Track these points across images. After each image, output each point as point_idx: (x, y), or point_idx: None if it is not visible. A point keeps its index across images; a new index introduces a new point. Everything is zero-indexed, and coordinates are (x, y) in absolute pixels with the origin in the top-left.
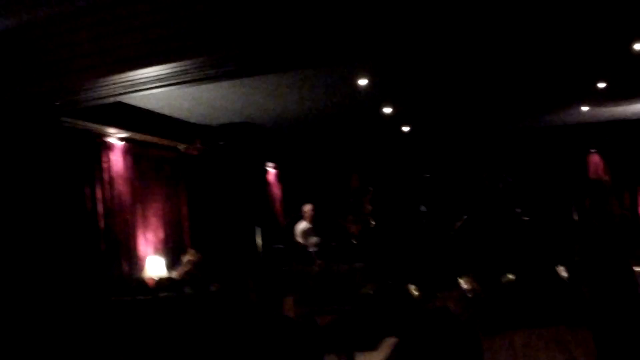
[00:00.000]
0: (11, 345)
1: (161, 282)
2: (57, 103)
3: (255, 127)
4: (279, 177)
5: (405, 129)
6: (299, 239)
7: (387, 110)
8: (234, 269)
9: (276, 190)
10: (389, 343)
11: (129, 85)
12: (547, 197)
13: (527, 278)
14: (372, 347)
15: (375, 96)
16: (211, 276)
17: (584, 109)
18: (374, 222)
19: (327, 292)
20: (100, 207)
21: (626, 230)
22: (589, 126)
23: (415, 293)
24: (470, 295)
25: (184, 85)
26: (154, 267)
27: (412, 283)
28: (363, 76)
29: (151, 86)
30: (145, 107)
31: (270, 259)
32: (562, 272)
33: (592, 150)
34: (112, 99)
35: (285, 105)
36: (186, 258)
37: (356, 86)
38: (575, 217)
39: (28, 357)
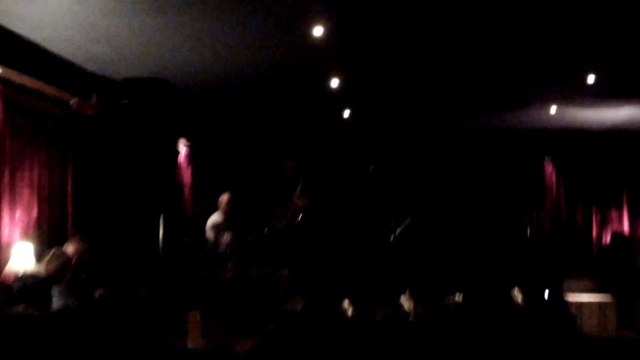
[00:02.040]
0: None
1: (23, 280)
2: None
3: (167, 87)
4: (191, 156)
5: (347, 114)
6: (209, 235)
7: (335, 83)
8: (125, 267)
9: (186, 172)
10: None
11: None
12: (501, 209)
13: (476, 300)
14: None
15: (325, 61)
16: (97, 276)
17: (554, 109)
18: (299, 219)
19: (244, 304)
20: None
21: None
22: (548, 133)
23: (349, 311)
24: (410, 318)
25: None
26: (22, 257)
27: (346, 297)
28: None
29: None
30: (26, 36)
31: (173, 256)
32: (517, 295)
33: (548, 160)
34: None
35: (208, 58)
36: (66, 248)
37: (306, 39)
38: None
39: None
